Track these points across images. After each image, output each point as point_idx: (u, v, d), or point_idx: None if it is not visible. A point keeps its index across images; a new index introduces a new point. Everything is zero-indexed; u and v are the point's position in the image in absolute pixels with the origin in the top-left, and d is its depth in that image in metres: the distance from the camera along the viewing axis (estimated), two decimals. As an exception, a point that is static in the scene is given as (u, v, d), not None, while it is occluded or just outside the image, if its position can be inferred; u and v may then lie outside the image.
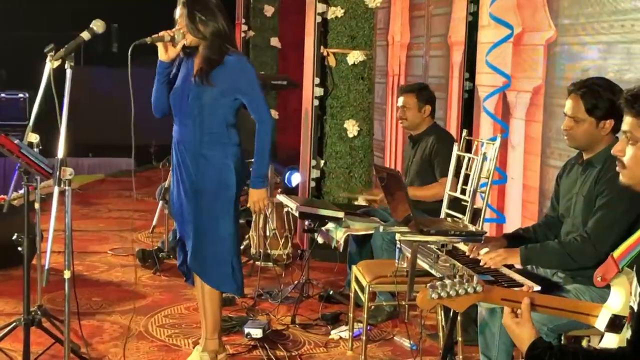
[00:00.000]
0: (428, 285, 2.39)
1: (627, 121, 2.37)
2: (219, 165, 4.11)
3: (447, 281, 2.40)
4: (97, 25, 3.82)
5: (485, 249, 3.66)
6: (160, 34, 4.05)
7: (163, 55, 4.11)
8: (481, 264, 3.57)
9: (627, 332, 2.33)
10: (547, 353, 2.30)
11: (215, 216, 4.13)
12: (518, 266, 3.61)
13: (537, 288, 3.24)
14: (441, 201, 4.91)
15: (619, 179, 2.43)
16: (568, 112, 3.52)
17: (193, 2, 4.07)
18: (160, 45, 4.09)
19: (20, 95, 11.56)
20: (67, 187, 3.58)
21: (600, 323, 2.41)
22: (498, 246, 3.69)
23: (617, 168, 2.44)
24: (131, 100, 3.88)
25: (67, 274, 3.63)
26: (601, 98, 3.44)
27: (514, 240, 3.78)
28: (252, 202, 4.23)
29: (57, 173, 3.53)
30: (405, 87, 5.69)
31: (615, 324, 2.38)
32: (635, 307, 2.27)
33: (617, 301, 2.40)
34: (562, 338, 3.46)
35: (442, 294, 2.38)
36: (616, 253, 2.37)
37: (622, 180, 2.41)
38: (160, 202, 6.58)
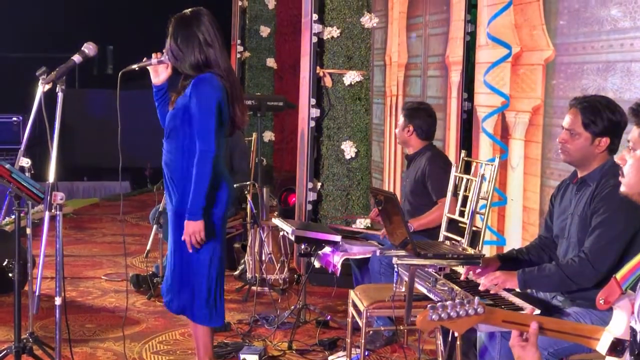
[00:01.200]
0: (428, 306, 2.34)
1: (636, 132, 2.36)
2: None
3: (448, 302, 2.35)
4: (89, 48, 3.80)
5: (478, 270, 3.61)
6: (147, 59, 4.03)
7: (154, 78, 4.09)
8: (480, 288, 3.50)
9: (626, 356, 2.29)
10: None
11: (185, 245, 4.02)
12: (517, 289, 3.55)
13: (537, 311, 3.19)
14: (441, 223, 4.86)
15: (618, 190, 2.40)
16: (566, 125, 3.49)
17: (174, 30, 4.03)
18: (150, 69, 4.07)
19: (14, 118, 11.52)
20: (57, 212, 3.52)
21: (602, 346, 2.38)
22: (491, 265, 3.64)
23: (620, 178, 2.41)
24: (118, 125, 3.84)
25: (57, 301, 3.57)
26: (600, 114, 3.41)
27: (508, 261, 3.72)
28: (187, 235, 3.96)
29: (48, 198, 3.48)
30: (404, 104, 5.69)
31: (616, 347, 2.34)
32: (637, 328, 2.22)
33: (620, 324, 2.36)
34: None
35: (442, 315, 2.33)
36: (619, 275, 2.33)
37: (621, 190, 2.40)
38: (155, 226, 6.50)
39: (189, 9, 4.11)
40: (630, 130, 2.41)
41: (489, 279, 3.49)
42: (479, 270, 3.62)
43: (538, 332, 2.38)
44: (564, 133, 3.49)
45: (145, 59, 4.05)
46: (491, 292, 3.45)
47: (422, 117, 5.40)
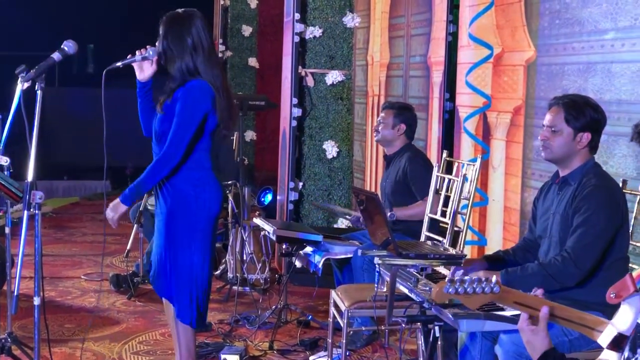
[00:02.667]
0: (447, 279, 2.37)
1: None
2: (178, 193, 3.98)
3: (467, 277, 2.37)
4: (69, 46, 3.77)
5: (462, 272, 3.61)
6: (131, 56, 3.99)
7: (139, 74, 4.05)
8: None
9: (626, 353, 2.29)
10: None
11: (174, 245, 4.00)
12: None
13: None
14: (422, 222, 4.86)
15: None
16: (547, 122, 3.51)
17: (166, 30, 4.00)
18: (135, 66, 4.03)
19: (-7, 116, 11.43)
20: (36, 212, 3.48)
21: (604, 339, 2.36)
22: (478, 268, 3.64)
23: None
24: (103, 124, 3.81)
25: (36, 300, 3.54)
26: (582, 110, 3.43)
27: (495, 261, 3.73)
28: (107, 211, 3.94)
29: (27, 197, 3.44)
30: (388, 102, 5.70)
31: (618, 342, 2.33)
32: None
33: (625, 320, 2.35)
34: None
35: (459, 289, 2.35)
36: (635, 272, 2.32)
37: None
38: (135, 226, 6.47)
39: (182, 9, 4.06)
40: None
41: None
42: (462, 271, 3.62)
43: (548, 317, 2.40)
44: (546, 130, 3.50)
45: (129, 56, 4.01)
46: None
47: (412, 116, 5.42)
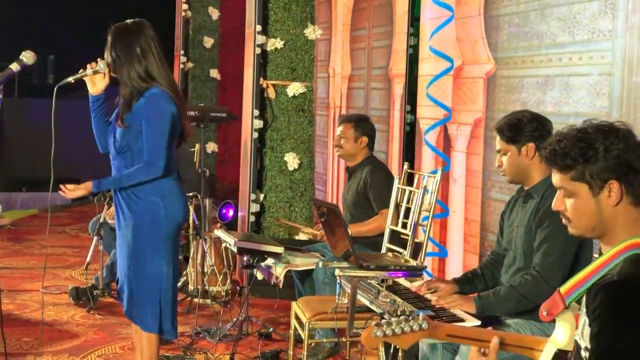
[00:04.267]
0: (373, 323, 2.34)
1: (556, 177, 2.37)
2: (146, 203, 3.98)
3: (393, 319, 2.35)
4: (27, 57, 3.75)
5: (435, 288, 3.62)
6: (82, 70, 3.98)
7: (91, 88, 4.03)
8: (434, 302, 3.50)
9: None
10: None
11: (143, 255, 3.99)
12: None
13: (477, 323, 3.22)
14: (382, 234, 4.86)
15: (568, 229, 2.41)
16: (496, 148, 3.62)
17: (114, 39, 3.99)
18: (87, 80, 4.02)
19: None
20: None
21: (545, 358, 2.37)
22: (449, 290, 3.63)
23: (563, 221, 2.42)
24: (52, 137, 3.80)
25: (-7, 314, 3.48)
26: (515, 125, 3.53)
27: (464, 283, 3.73)
28: (74, 187, 3.96)
29: (-17, 209, 3.41)
30: (345, 116, 5.70)
31: (559, 359, 2.34)
32: (581, 343, 2.23)
33: (562, 336, 2.37)
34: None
35: (387, 331, 2.33)
36: (563, 289, 2.33)
37: (571, 232, 2.40)
38: (95, 238, 6.41)
39: (130, 20, 4.07)
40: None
41: (446, 301, 3.49)
42: (435, 288, 3.63)
43: (498, 348, 2.40)
44: (498, 156, 3.62)
45: (81, 71, 3.99)
46: (435, 305, 3.45)
47: (371, 127, 5.46)
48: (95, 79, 4.03)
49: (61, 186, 3.92)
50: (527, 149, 3.51)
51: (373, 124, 5.54)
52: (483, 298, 3.47)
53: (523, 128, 3.51)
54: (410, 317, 2.37)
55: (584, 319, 2.27)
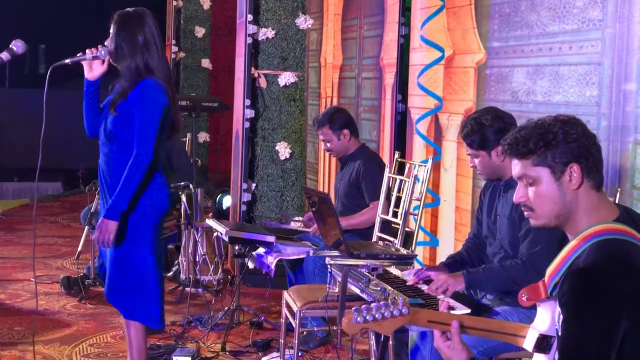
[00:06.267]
0: (353, 309, 2.34)
1: (517, 167, 2.39)
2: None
3: (373, 304, 2.35)
4: (17, 46, 3.72)
5: (427, 277, 3.63)
6: (81, 54, 3.96)
7: (88, 73, 4.01)
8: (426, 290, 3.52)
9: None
10: None
11: (130, 244, 3.99)
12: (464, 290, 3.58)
13: (467, 311, 3.23)
14: (373, 226, 4.87)
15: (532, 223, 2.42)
16: (466, 151, 3.68)
17: (118, 28, 3.97)
18: (84, 64, 4.00)
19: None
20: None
21: (528, 343, 2.40)
22: (439, 272, 3.64)
23: (525, 214, 2.43)
24: (43, 122, 3.79)
25: (-16, 304, 3.48)
26: (478, 133, 3.57)
27: (454, 268, 3.74)
28: (98, 232, 3.91)
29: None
30: (316, 120, 5.53)
31: (542, 344, 2.37)
32: (559, 330, 2.26)
33: (544, 321, 2.39)
34: (494, 362, 3.44)
35: (367, 317, 2.33)
36: (548, 272, 2.36)
37: (534, 224, 2.41)
38: (86, 228, 6.41)
39: (132, 8, 4.04)
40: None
41: (436, 285, 3.50)
42: (419, 271, 3.65)
43: (459, 331, 2.39)
44: (470, 157, 3.67)
45: (79, 54, 3.97)
46: (430, 293, 3.47)
47: (345, 116, 5.44)
48: (93, 65, 4.01)
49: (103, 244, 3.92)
50: (497, 152, 3.52)
51: (344, 111, 5.52)
52: (472, 273, 3.51)
53: (487, 134, 3.54)
54: (391, 302, 2.38)
55: (557, 311, 2.30)
